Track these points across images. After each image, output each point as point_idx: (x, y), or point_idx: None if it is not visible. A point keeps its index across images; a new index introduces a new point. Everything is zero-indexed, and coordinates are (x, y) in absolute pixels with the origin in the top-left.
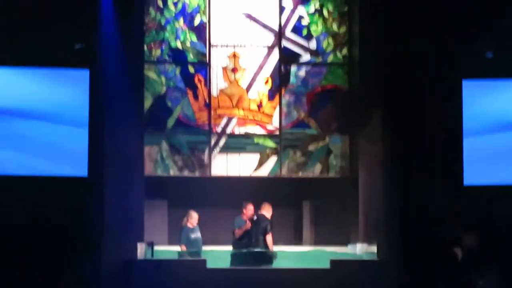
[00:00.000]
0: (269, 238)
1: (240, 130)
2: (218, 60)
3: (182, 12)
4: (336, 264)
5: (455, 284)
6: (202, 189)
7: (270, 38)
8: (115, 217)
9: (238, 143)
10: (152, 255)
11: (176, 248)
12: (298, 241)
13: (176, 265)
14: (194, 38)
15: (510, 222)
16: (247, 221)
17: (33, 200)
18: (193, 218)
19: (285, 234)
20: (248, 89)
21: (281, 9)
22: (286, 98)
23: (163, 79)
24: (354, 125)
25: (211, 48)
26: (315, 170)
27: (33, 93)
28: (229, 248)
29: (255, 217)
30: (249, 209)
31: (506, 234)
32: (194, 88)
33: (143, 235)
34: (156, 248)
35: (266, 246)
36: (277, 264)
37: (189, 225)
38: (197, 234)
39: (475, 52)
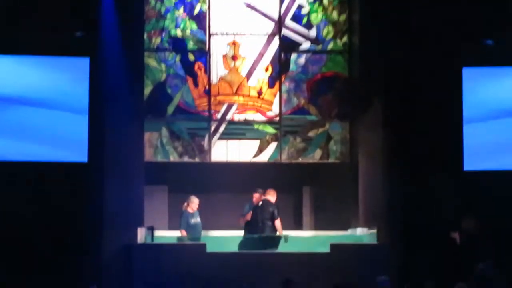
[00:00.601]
0: (278, 222)
1: (240, 117)
2: (218, 48)
3: (182, 0)
4: (336, 248)
5: (454, 269)
6: (202, 175)
7: (270, 27)
8: (116, 202)
9: (238, 129)
10: (152, 239)
11: (176, 233)
12: (298, 226)
13: (176, 250)
14: (194, 27)
15: (509, 207)
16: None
17: (33, 186)
18: (194, 203)
19: (285, 220)
20: (248, 76)
21: None
22: (286, 85)
23: (163, 66)
24: (354, 112)
25: (211, 36)
26: (315, 156)
27: (34, 81)
28: (229, 233)
29: (260, 203)
30: (256, 197)
31: (505, 219)
32: (194, 76)
33: (143, 220)
34: (156, 233)
35: (274, 230)
36: (278, 248)
37: (189, 210)
38: (197, 219)
39: (475, 40)
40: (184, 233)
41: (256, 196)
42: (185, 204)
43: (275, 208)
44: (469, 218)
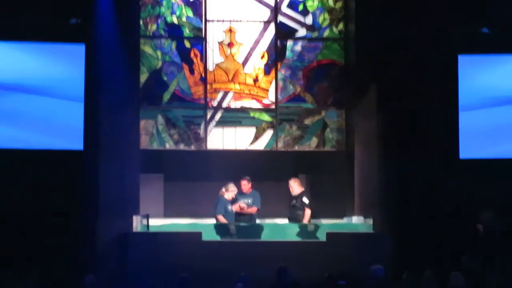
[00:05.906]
0: (308, 212)
1: (236, 104)
2: (214, 35)
3: None
4: (332, 236)
5: (447, 257)
6: (198, 163)
7: (266, 13)
8: (111, 190)
9: (234, 117)
10: (148, 228)
11: (170, 221)
12: None
13: (172, 238)
14: (190, 13)
15: (504, 195)
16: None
17: (29, 174)
18: (233, 192)
19: (281, 208)
20: (244, 63)
21: None
22: (282, 72)
23: (159, 53)
24: (350, 100)
25: (207, 23)
26: (311, 144)
27: (29, 68)
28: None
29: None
30: (244, 184)
31: (501, 207)
32: (190, 63)
33: (139, 208)
34: (151, 221)
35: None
36: (272, 236)
37: (226, 197)
38: (231, 207)
39: (470, 27)
40: (223, 219)
41: (244, 183)
42: (223, 190)
43: (307, 198)
44: (488, 211)
